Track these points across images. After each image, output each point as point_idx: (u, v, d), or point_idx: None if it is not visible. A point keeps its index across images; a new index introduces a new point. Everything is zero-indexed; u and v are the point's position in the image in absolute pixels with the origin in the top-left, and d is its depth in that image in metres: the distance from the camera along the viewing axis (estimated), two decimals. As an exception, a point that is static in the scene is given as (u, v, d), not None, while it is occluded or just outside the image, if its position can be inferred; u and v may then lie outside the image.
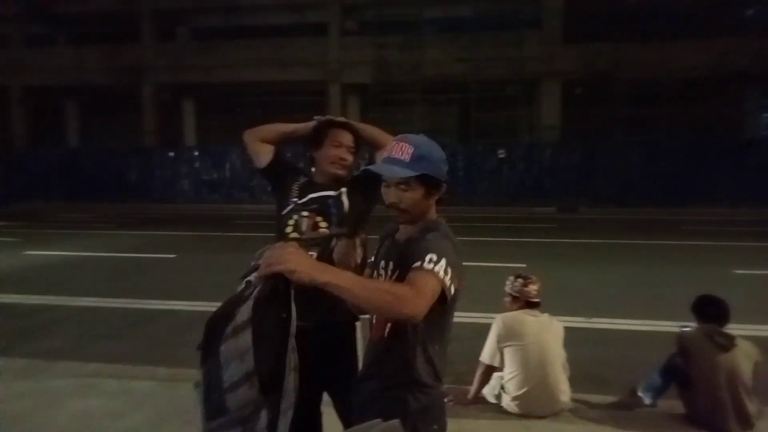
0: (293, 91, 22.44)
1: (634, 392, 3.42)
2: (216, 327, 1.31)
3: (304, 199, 2.26)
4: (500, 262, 7.68)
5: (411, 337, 1.55)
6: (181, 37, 23.44)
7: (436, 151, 1.61)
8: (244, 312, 1.28)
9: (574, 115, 19.58)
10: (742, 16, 19.77)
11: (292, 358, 1.31)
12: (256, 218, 14.15)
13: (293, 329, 1.31)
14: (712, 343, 3.11)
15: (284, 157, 2.44)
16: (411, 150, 1.54)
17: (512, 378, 3.23)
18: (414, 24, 20.40)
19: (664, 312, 5.33)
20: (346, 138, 2.29)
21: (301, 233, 2.21)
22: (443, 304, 1.47)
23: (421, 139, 1.61)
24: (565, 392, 3.27)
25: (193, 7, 22.08)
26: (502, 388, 3.31)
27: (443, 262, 1.47)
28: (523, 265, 7.17)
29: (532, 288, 3.39)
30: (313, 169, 2.35)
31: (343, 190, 2.24)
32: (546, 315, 3.39)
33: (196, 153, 21.73)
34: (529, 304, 3.38)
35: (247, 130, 2.43)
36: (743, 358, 3.07)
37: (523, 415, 3.21)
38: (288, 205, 2.29)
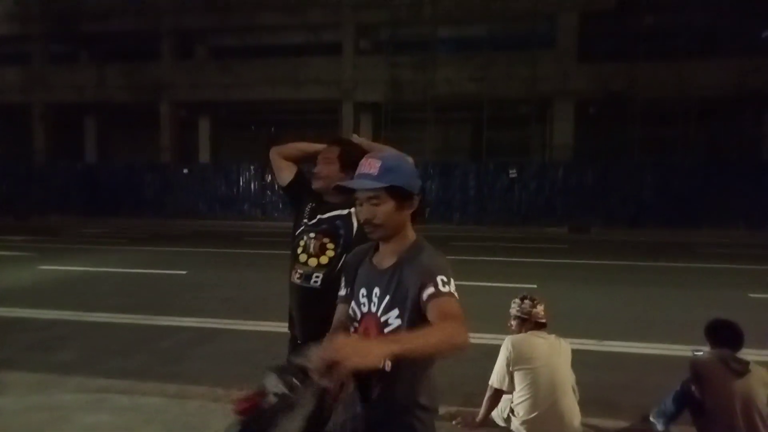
0: (307, 110, 22.71)
1: (646, 418, 3.37)
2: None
3: (314, 221, 2.28)
4: (510, 283, 7.64)
5: (414, 363, 1.55)
6: (199, 55, 23.89)
7: (405, 164, 1.63)
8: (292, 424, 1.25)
9: (587, 134, 19.55)
10: (761, 36, 19.67)
11: None
12: (267, 235, 14.29)
13: None
14: (727, 368, 3.06)
15: (304, 177, 2.45)
16: (378, 164, 1.57)
17: (522, 401, 3.19)
18: (428, 43, 20.61)
19: (677, 335, 5.26)
20: (330, 151, 2.30)
21: (309, 254, 2.23)
22: None
23: (390, 153, 1.68)
24: (576, 416, 3.22)
25: (211, 26, 22.51)
26: (512, 411, 3.27)
27: (452, 281, 1.53)
28: (534, 286, 7.13)
29: (540, 309, 3.37)
30: None
31: (353, 210, 2.21)
32: (554, 336, 3.36)
33: (210, 170, 22.00)
34: (537, 326, 3.35)
35: (273, 147, 2.48)
36: (758, 384, 3.01)
37: (532, 438, 3.16)
38: (300, 226, 2.32)
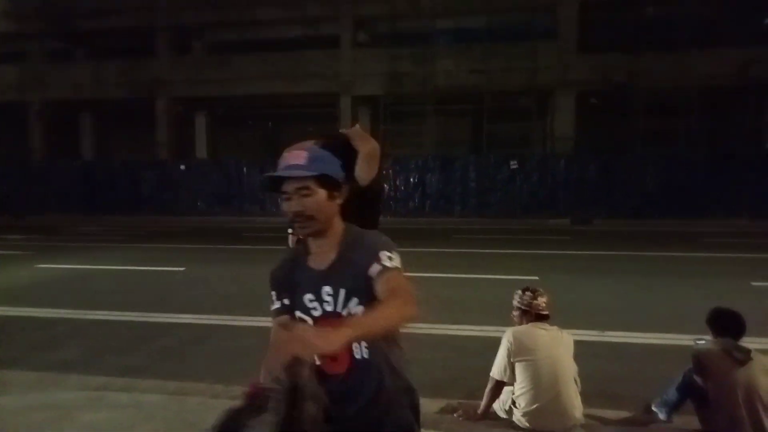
0: (305, 104, 22.64)
1: (648, 408, 3.33)
2: None
3: None
4: (512, 275, 7.61)
5: (382, 347, 1.58)
6: (196, 51, 23.79)
7: (330, 156, 1.61)
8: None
9: (588, 126, 19.46)
10: (763, 25, 19.53)
11: None
12: (266, 231, 14.22)
13: None
14: (729, 357, 3.03)
15: None
16: (305, 154, 1.54)
17: (523, 393, 3.17)
18: (426, 35, 20.51)
19: (680, 325, 5.22)
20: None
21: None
22: None
23: (314, 146, 1.65)
24: (578, 408, 3.19)
25: (208, 21, 22.42)
26: (513, 403, 3.24)
27: (396, 255, 1.54)
28: (536, 278, 7.09)
29: (542, 300, 3.34)
30: None
31: None
32: (556, 328, 3.33)
33: (208, 166, 21.95)
34: (539, 317, 3.32)
35: None
36: (760, 373, 2.99)
37: (534, 430, 3.14)
38: None
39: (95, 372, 4.32)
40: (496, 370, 3.28)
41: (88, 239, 14.39)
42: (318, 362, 1.56)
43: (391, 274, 1.49)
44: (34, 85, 23.09)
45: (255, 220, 19.16)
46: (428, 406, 3.51)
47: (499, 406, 3.32)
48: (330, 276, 1.58)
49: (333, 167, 1.58)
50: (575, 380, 3.25)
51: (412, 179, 19.51)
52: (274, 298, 1.68)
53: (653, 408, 3.30)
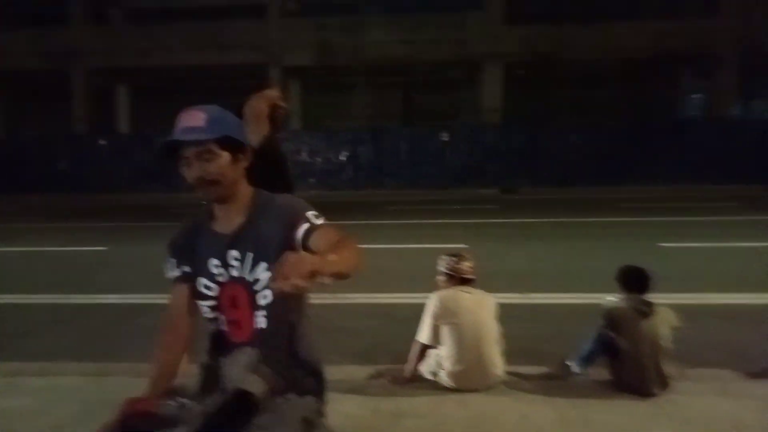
0: (232, 75, 21.85)
1: (565, 363, 3.52)
2: None
3: None
4: (442, 244, 7.74)
5: (287, 316, 1.55)
6: (114, 19, 22.35)
7: (230, 116, 1.54)
8: None
9: (516, 97, 19.95)
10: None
11: None
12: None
13: None
14: (635, 311, 3.24)
15: None
16: (203, 115, 1.45)
17: (448, 355, 3.26)
18: (356, 5, 20.19)
19: (596, 285, 5.48)
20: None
21: None
22: None
23: (212, 106, 1.53)
24: (499, 366, 3.33)
25: (124, -13, 21.08)
26: (439, 365, 3.34)
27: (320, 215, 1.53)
28: (465, 246, 7.28)
29: (466, 265, 3.43)
30: None
31: None
32: (480, 291, 3.44)
33: (131, 140, 20.87)
34: (464, 281, 3.41)
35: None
36: (662, 324, 3.22)
37: (459, 389, 3.25)
38: None
39: (8, 357, 4.08)
40: (422, 334, 3.36)
41: (2, 220, 13.43)
42: (224, 328, 1.54)
43: (324, 229, 1.47)
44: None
45: (182, 196, 18.47)
46: (357, 372, 3.57)
47: (426, 369, 3.41)
48: (237, 240, 1.53)
49: (235, 128, 1.51)
50: (498, 341, 3.38)
51: (344, 152, 19.40)
52: (172, 265, 1.61)
53: (569, 363, 3.49)
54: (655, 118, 19.38)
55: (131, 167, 20.46)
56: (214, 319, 1.58)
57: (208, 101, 1.58)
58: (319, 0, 20.21)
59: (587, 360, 3.44)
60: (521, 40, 19.34)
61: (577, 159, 18.42)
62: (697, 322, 4.59)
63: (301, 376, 1.56)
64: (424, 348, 3.38)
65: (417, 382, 3.40)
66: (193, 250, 1.58)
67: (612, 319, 3.30)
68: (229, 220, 1.55)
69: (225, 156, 1.47)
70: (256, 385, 1.15)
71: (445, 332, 3.29)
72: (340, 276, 1.25)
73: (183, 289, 1.59)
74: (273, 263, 1.45)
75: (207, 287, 1.56)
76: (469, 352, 3.22)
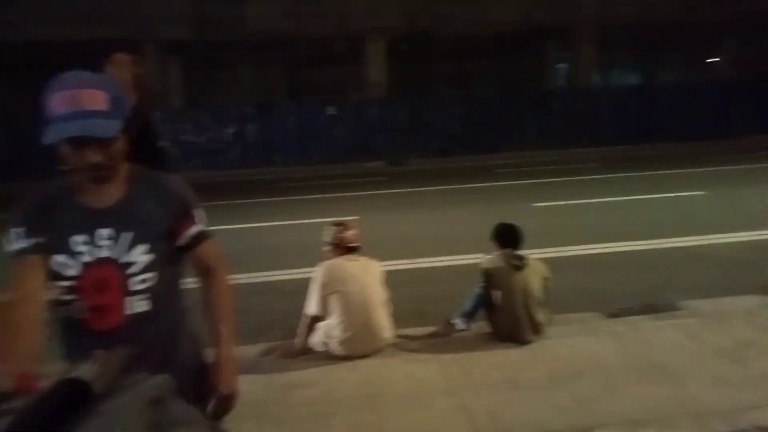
0: (101, 52, 19.90)
1: (449, 321, 3.72)
2: None
3: None
4: (333, 217, 7.79)
5: (165, 298, 1.46)
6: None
7: (121, 88, 1.40)
8: None
9: (399, 71, 20.23)
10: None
11: None
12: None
13: None
14: (509, 264, 3.49)
15: None
16: (104, 95, 1.28)
17: (337, 323, 3.31)
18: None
19: (476, 246, 5.82)
20: None
21: None
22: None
23: (103, 77, 1.36)
24: (387, 329, 3.44)
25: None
26: (329, 335, 3.38)
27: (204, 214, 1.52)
28: (356, 217, 7.37)
29: (350, 233, 3.48)
30: None
31: None
32: (365, 258, 3.51)
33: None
34: (349, 250, 3.47)
35: None
36: (534, 275, 3.49)
37: (350, 356, 3.32)
38: None
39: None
40: (310, 306, 3.38)
41: None
42: (80, 315, 1.39)
43: (211, 242, 1.51)
44: None
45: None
46: (248, 351, 3.52)
47: (316, 340, 3.44)
48: (111, 217, 1.38)
49: (126, 102, 1.37)
50: (385, 305, 3.48)
51: (229, 130, 18.68)
52: (19, 235, 1.35)
53: (453, 320, 3.69)
54: (525, 89, 20.62)
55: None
56: (68, 304, 1.38)
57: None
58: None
59: (469, 316, 3.65)
60: (401, 14, 19.55)
61: (457, 129, 19.17)
62: (565, 272, 5.05)
63: (183, 359, 1.49)
64: (314, 320, 3.40)
65: (309, 354, 3.43)
66: (49, 221, 1.37)
67: (488, 274, 3.52)
68: (101, 194, 1.39)
69: (123, 138, 1.34)
70: (88, 372, 0.97)
71: (333, 301, 3.33)
72: None
73: (34, 264, 1.34)
74: (155, 247, 1.40)
75: (64, 265, 1.36)
76: (357, 319, 3.29)
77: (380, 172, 16.18)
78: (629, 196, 9.04)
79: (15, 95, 20.78)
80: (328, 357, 3.36)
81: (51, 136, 1.23)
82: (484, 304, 3.57)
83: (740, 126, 19.05)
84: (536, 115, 19.21)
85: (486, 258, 3.64)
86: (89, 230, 1.37)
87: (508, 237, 3.62)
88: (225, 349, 1.46)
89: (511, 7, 19.51)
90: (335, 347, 3.33)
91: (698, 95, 19.86)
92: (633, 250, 5.84)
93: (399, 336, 3.61)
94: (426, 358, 3.35)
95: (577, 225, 7.25)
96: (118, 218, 1.38)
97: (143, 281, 1.39)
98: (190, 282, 1.57)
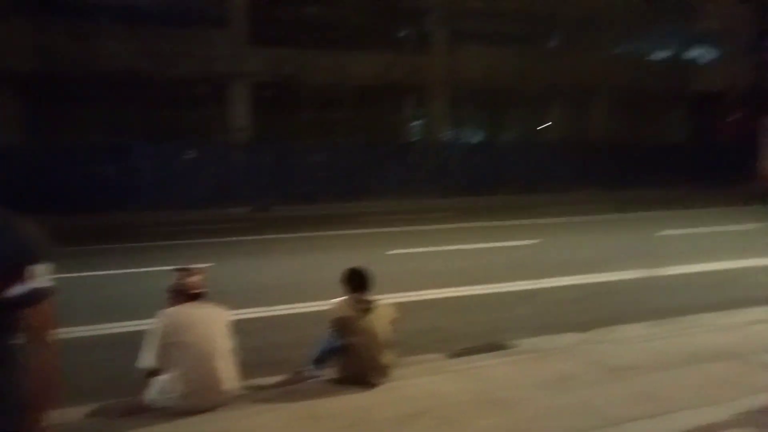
0: None
1: (301, 368, 3.70)
2: None
3: None
4: (186, 263, 7.43)
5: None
6: None
7: None
8: None
9: (264, 117, 20.21)
10: (399, 35, 23.30)
11: None
12: None
13: None
14: (357, 308, 3.58)
15: None
16: None
17: (177, 376, 3.12)
18: (85, 9, 18.09)
19: (334, 292, 5.90)
20: None
21: None
22: None
23: None
24: (231, 380, 3.30)
25: None
26: (167, 389, 3.16)
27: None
28: (207, 264, 7.08)
29: (193, 279, 3.35)
30: None
31: None
32: (211, 305, 3.39)
33: None
34: (192, 297, 3.32)
35: None
36: (381, 319, 3.62)
37: (191, 411, 3.13)
38: None
39: None
40: (145, 358, 3.17)
41: None
42: None
43: (49, 302, 1.34)
44: None
45: None
46: (74, 413, 3.18)
47: (153, 396, 3.21)
48: None
49: None
50: (230, 355, 3.35)
51: (78, 170, 17.12)
52: None
53: (306, 366, 3.68)
54: (385, 140, 21.70)
55: None
56: None
57: None
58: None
59: (319, 361, 3.67)
60: (266, 61, 19.71)
61: (321, 177, 19.44)
62: (415, 315, 5.28)
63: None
64: (150, 373, 3.19)
65: (146, 412, 3.19)
66: None
67: (336, 319, 3.59)
68: None
69: None
70: None
71: (173, 352, 3.15)
72: None
73: None
74: None
75: None
76: (198, 370, 3.14)
77: (244, 218, 15.81)
78: (474, 244, 9.75)
79: None
80: (166, 414, 3.15)
81: None
82: (334, 348, 3.61)
83: (569, 181, 21.63)
84: (395, 166, 20.19)
85: (334, 302, 3.71)
86: None
87: (356, 281, 3.72)
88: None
89: (372, 62, 20.61)
90: (175, 402, 3.13)
91: (534, 153, 22.34)
92: (476, 294, 6.28)
93: (248, 387, 3.51)
94: (274, 407, 3.28)
95: (427, 271, 7.65)
96: None
97: None
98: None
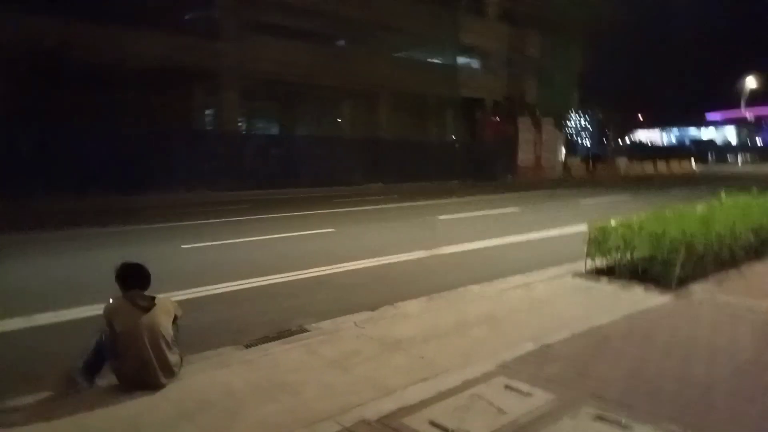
0: None
1: (71, 379, 3.26)
2: None
3: None
4: None
5: None
6: None
7: None
8: None
9: (23, 95, 17.12)
10: (187, 18, 21.77)
11: None
12: None
13: None
14: (134, 306, 3.29)
15: None
16: None
17: None
18: None
19: (114, 292, 5.35)
20: None
21: None
22: None
23: None
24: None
25: None
26: None
27: None
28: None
29: None
30: None
31: None
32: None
33: None
34: None
35: None
36: (161, 314, 3.37)
37: None
38: None
39: None
40: None
41: None
42: None
43: None
44: None
45: None
46: None
47: None
48: None
49: None
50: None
51: None
52: None
53: (75, 377, 3.25)
54: (174, 128, 20.21)
55: None
56: None
57: None
58: None
59: (91, 368, 3.29)
60: (22, 30, 16.68)
61: (98, 165, 17.11)
62: (209, 310, 5.07)
63: None
64: None
65: None
66: None
67: (110, 318, 3.26)
68: None
69: None
70: None
71: None
72: None
73: None
74: None
75: None
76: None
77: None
78: (271, 235, 9.70)
79: None
80: None
81: None
82: (107, 352, 3.27)
83: (358, 176, 22.74)
84: (185, 156, 18.93)
85: (108, 303, 3.36)
86: None
87: (131, 277, 3.42)
88: None
89: (157, 43, 18.95)
90: None
91: (325, 147, 22.99)
92: (272, 283, 6.25)
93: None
94: (35, 428, 2.85)
95: (224, 264, 7.39)
96: None
97: None
98: None
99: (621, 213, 6.28)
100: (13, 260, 7.67)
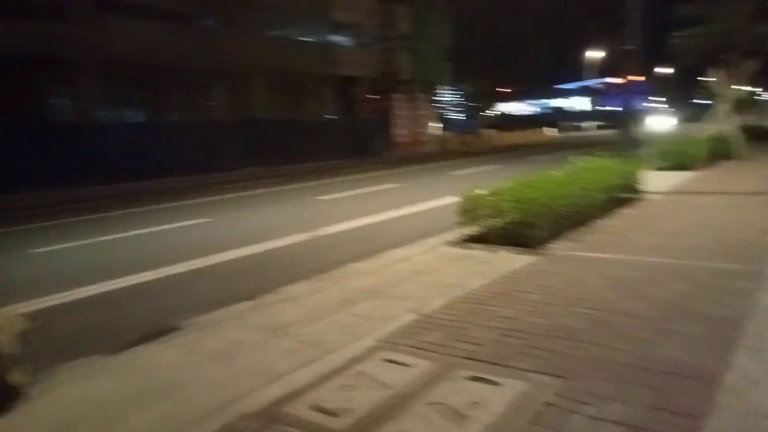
0: None
1: None
2: None
3: None
4: None
5: None
6: None
7: None
8: None
9: None
10: (48, 3, 19.37)
11: None
12: None
13: None
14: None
15: None
16: None
17: None
18: None
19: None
20: None
21: None
22: None
23: None
24: None
25: None
26: None
27: None
28: None
29: None
30: None
31: None
32: None
33: None
34: None
35: None
36: (3, 332, 3.00)
37: None
38: None
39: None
40: None
41: None
42: None
43: None
44: None
45: None
46: None
47: None
48: None
49: None
50: None
51: None
52: None
53: None
54: (21, 121, 18.04)
55: None
56: None
57: None
58: None
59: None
60: None
61: None
62: (71, 316, 4.66)
63: None
64: None
65: None
66: None
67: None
68: None
69: None
70: None
71: None
72: None
73: None
74: None
75: None
76: None
77: None
78: (141, 230, 9.10)
79: None
80: None
81: None
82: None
83: (236, 160, 21.92)
84: (36, 151, 17.02)
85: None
86: None
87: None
88: None
89: (12, 31, 16.82)
90: None
91: (199, 133, 21.83)
92: (144, 282, 5.87)
93: None
94: None
95: (87, 265, 6.81)
96: None
97: None
98: None
99: (492, 181, 6.63)
100: None
